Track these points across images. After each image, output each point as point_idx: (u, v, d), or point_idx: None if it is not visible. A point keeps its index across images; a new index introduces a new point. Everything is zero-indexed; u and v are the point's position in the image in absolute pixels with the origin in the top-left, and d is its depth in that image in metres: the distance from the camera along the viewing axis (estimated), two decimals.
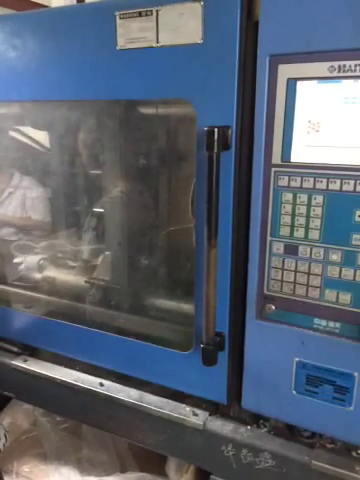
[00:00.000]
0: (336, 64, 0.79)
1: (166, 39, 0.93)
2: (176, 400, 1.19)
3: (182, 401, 1.19)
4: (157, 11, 0.92)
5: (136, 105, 1.19)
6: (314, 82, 0.81)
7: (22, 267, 1.44)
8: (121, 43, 0.97)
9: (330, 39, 0.78)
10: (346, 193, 0.84)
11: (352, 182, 0.83)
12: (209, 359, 1.01)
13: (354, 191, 0.83)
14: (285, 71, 0.82)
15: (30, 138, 1.56)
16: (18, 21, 1.09)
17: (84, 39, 1.01)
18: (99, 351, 1.27)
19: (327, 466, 0.98)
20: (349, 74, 0.78)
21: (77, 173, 1.38)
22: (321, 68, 0.80)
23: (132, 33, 0.96)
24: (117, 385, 1.26)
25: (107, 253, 1.42)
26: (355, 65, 0.77)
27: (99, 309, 1.33)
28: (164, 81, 0.95)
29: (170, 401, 1.19)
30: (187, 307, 1.19)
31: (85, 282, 1.36)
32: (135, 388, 1.24)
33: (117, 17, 0.96)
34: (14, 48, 1.08)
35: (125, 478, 1.38)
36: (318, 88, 0.82)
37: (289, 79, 0.82)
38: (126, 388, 1.25)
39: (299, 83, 0.82)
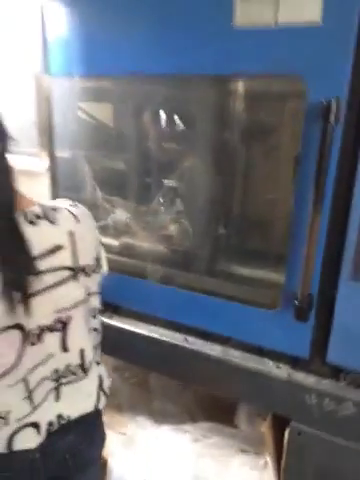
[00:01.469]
0: None
1: (285, 18, 1.00)
2: (257, 355, 1.32)
3: (262, 356, 1.32)
4: None
5: (226, 81, 1.28)
6: None
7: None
8: (239, 21, 1.05)
9: None
10: None
11: None
12: (302, 316, 1.12)
13: None
14: None
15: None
16: None
17: (200, 16, 1.09)
18: (184, 309, 1.39)
19: None
20: None
21: (163, 147, 1.47)
22: None
23: (251, 12, 1.03)
24: (200, 340, 1.38)
25: (183, 221, 1.53)
26: None
27: (183, 272, 1.44)
28: (279, 58, 1.03)
29: (252, 355, 1.31)
30: (271, 270, 1.30)
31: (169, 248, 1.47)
32: (217, 344, 1.37)
33: None
34: (128, 22, 1.16)
35: (198, 427, 1.51)
36: None
37: None
38: (209, 343, 1.37)
39: None
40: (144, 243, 1.54)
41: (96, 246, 1.02)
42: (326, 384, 1.19)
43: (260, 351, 1.31)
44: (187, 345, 1.36)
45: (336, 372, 1.21)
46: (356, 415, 1.15)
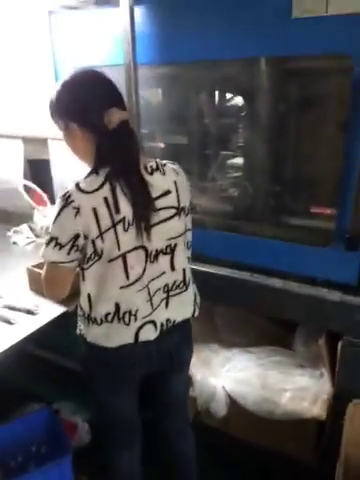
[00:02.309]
0: None
1: (334, 9, 1.28)
2: (313, 285, 1.62)
3: (317, 285, 1.61)
4: None
5: (285, 61, 1.55)
6: None
7: None
8: (296, 13, 1.34)
9: None
10: None
11: None
12: (354, 246, 1.41)
13: None
14: None
15: None
16: None
17: (263, 9, 1.38)
18: (249, 252, 1.70)
19: None
20: None
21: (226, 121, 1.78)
22: None
23: (305, 5, 1.31)
24: (264, 276, 1.69)
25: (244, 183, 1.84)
26: None
27: (247, 223, 1.75)
28: (331, 41, 1.30)
29: (308, 285, 1.62)
30: (323, 216, 1.59)
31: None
32: (278, 278, 1.68)
33: None
34: (203, 18, 1.47)
35: (261, 350, 1.83)
36: None
37: None
38: (270, 278, 1.68)
39: None
40: (216, 202, 1.86)
41: (189, 193, 1.35)
42: None
43: (314, 281, 1.62)
44: (253, 279, 1.68)
45: None
46: None
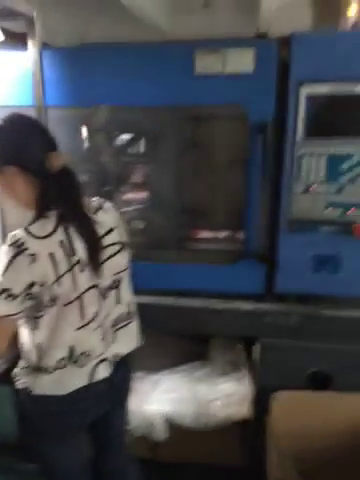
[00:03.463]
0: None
1: (230, 68, 1.54)
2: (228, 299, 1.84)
3: (232, 299, 1.83)
4: (224, 52, 1.53)
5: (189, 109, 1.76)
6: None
7: None
8: (198, 70, 1.56)
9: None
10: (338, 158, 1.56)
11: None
12: (264, 259, 1.68)
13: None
14: (305, 89, 1.50)
15: None
16: (128, 50, 1.61)
17: (172, 66, 1.57)
18: (169, 277, 1.83)
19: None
20: None
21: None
22: (326, 87, 1.49)
23: (207, 63, 1.55)
24: (186, 298, 1.84)
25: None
26: None
27: (162, 251, 1.89)
28: (227, 93, 1.57)
29: (225, 300, 1.82)
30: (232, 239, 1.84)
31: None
32: (197, 298, 1.85)
33: (196, 54, 1.54)
34: (127, 69, 1.60)
35: (185, 367, 1.95)
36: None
37: (307, 94, 1.51)
38: (192, 299, 1.84)
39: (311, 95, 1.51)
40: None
41: (125, 228, 1.43)
42: (278, 306, 1.77)
43: (229, 296, 1.84)
44: (177, 303, 1.82)
45: (282, 298, 1.80)
46: (299, 322, 1.74)
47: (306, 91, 1.51)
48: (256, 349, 1.82)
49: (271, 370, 1.82)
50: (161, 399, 1.81)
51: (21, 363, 1.29)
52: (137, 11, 1.50)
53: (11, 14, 1.46)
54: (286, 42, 1.51)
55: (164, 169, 1.87)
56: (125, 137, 1.88)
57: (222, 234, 1.85)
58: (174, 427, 1.80)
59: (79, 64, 1.63)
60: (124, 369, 1.43)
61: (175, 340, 2.13)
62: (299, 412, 1.74)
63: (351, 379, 1.74)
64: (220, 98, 1.58)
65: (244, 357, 1.91)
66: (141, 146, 1.90)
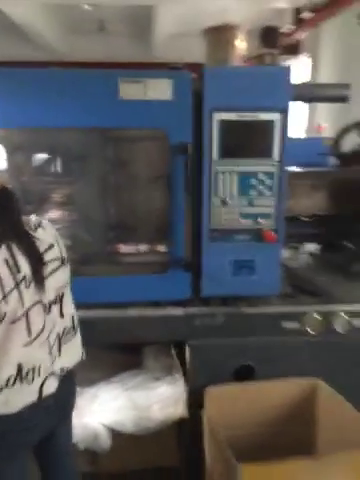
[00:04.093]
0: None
1: (151, 95, 1.70)
2: (158, 306, 1.96)
3: (161, 306, 1.96)
4: (145, 81, 1.69)
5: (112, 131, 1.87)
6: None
7: None
8: (122, 95, 1.69)
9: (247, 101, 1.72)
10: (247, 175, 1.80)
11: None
12: (189, 267, 1.85)
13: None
14: (217, 116, 1.72)
15: None
16: (51, 74, 1.70)
17: (99, 91, 1.68)
18: (102, 290, 1.89)
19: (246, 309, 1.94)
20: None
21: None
22: (234, 115, 1.72)
23: (129, 90, 1.69)
24: (116, 310, 1.91)
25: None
26: None
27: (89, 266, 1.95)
28: (149, 117, 1.72)
29: (156, 308, 1.94)
30: (157, 251, 1.97)
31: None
32: (128, 308, 1.94)
33: (120, 81, 1.68)
34: (47, 91, 1.65)
35: (120, 377, 2.01)
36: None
37: (218, 120, 1.73)
38: (121, 310, 1.93)
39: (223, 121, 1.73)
40: None
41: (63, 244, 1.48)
42: (204, 309, 1.94)
43: (158, 304, 1.97)
44: (112, 315, 1.89)
45: (207, 301, 1.97)
46: (224, 321, 1.93)
47: (218, 117, 1.73)
48: (187, 351, 1.97)
49: (201, 369, 1.97)
50: (101, 410, 1.85)
51: None
52: (33, 33, 1.60)
53: None
54: (199, 75, 1.73)
55: (89, 187, 1.96)
56: (42, 157, 1.93)
57: (149, 247, 1.98)
58: (114, 436, 1.86)
59: (11, 87, 1.66)
60: (69, 383, 1.47)
61: (106, 352, 2.19)
62: (230, 403, 1.92)
63: (271, 369, 1.97)
64: (143, 122, 1.74)
65: (176, 361, 2.04)
66: (59, 166, 1.97)
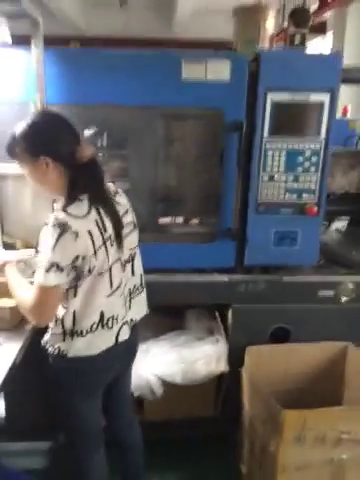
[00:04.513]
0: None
1: (211, 76, 1.83)
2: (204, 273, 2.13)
3: (208, 273, 2.14)
4: (206, 61, 1.81)
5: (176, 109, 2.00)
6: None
7: None
8: (184, 76, 1.82)
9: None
10: (294, 152, 1.94)
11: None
12: (236, 236, 2.01)
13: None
14: (270, 96, 1.85)
15: None
16: (123, 55, 1.84)
17: (162, 72, 1.82)
18: (153, 257, 2.06)
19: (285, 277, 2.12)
20: None
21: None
22: (287, 95, 1.85)
23: (192, 71, 1.82)
24: (169, 274, 2.09)
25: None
26: None
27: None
28: (208, 97, 1.85)
29: (203, 274, 2.12)
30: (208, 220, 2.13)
31: None
32: (179, 273, 2.11)
33: (183, 62, 1.80)
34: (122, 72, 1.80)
35: (168, 335, 2.21)
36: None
37: (271, 99, 1.86)
38: (175, 275, 2.11)
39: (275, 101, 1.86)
40: None
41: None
42: (247, 277, 2.11)
43: (205, 271, 2.14)
44: (162, 279, 2.06)
45: (250, 269, 2.15)
46: (264, 288, 2.11)
47: (271, 97, 1.86)
48: (230, 314, 2.15)
49: (242, 330, 2.16)
50: (153, 362, 2.06)
51: (52, 330, 1.46)
52: (55, 8, 1.71)
53: (21, 16, 1.59)
54: (255, 58, 1.85)
55: (144, 161, 2.09)
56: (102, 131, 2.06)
57: (198, 218, 2.14)
58: (164, 386, 2.06)
59: (80, 65, 1.80)
60: (135, 333, 1.66)
61: (152, 315, 2.38)
62: (267, 362, 2.11)
63: (305, 332, 2.15)
64: (202, 101, 1.87)
65: (219, 322, 2.23)
66: (118, 140, 2.11)
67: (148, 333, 2.23)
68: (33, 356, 1.54)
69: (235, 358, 2.14)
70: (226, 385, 2.23)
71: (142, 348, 2.14)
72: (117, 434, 1.82)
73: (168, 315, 2.40)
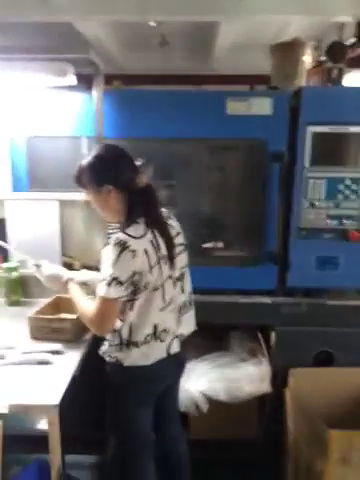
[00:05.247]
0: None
1: (254, 111, 1.99)
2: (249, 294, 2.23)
3: (252, 294, 2.23)
4: (249, 99, 1.98)
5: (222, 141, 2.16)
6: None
7: None
8: (229, 111, 1.99)
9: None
10: (334, 180, 2.04)
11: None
12: (279, 261, 2.10)
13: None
14: (311, 129, 1.98)
15: None
16: (173, 95, 2.05)
17: (208, 108, 2.00)
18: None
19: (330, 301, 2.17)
20: None
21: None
22: (327, 128, 1.97)
23: (235, 107, 1.98)
24: (213, 295, 2.20)
25: None
26: None
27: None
28: (251, 129, 2.01)
29: (243, 296, 2.21)
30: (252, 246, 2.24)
31: None
32: (223, 295, 2.21)
33: (227, 100, 1.98)
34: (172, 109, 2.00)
35: (211, 356, 2.28)
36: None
37: (312, 132, 1.98)
38: (219, 296, 2.21)
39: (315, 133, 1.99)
40: None
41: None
42: (289, 299, 2.19)
43: (248, 292, 2.23)
44: (206, 299, 2.17)
45: (292, 292, 2.22)
46: (307, 310, 2.17)
47: (311, 130, 1.99)
48: (273, 336, 2.21)
49: (285, 353, 2.21)
50: (198, 380, 2.14)
51: (110, 341, 1.59)
52: (98, 47, 1.93)
53: (86, 64, 1.83)
54: (295, 93, 2.00)
55: (195, 190, 2.25)
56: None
57: (242, 242, 2.25)
58: (209, 403, 2.13)
59: (135, 105, 2.02)
60: (184, 349, 1.76)
61: (195, 337, 2.47)
62: (309, 384, 2.14)
63: (349, 356, 2.17)
64: (245, 133, 2.03)
65: (262, 344, 2.29)
66: (166, 170, 2.28)
67: (192, 353, 2.32)
68: (90, 366, 1.68)
69: (278, 380, 2.19)
70: (269, 406, 2.26)
71: (187, 366, 2.23)
72: (164, 448, 1.89)
73: (211, 337, 2.48)
